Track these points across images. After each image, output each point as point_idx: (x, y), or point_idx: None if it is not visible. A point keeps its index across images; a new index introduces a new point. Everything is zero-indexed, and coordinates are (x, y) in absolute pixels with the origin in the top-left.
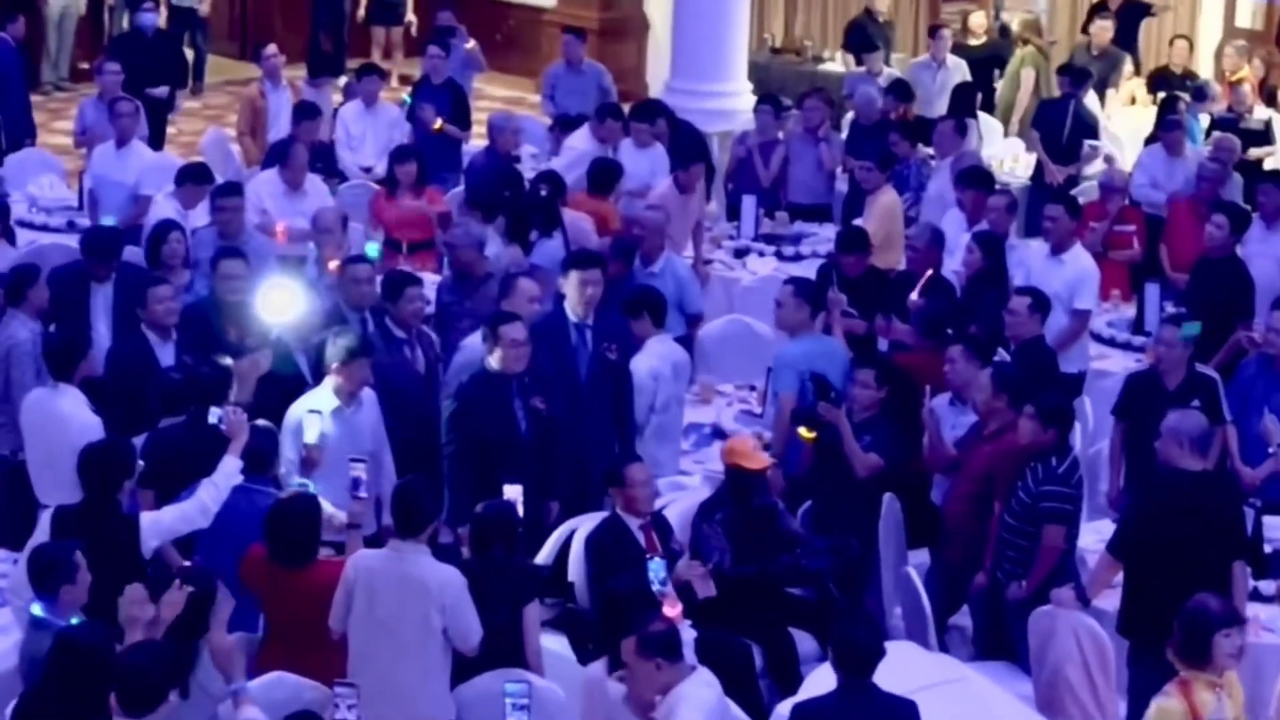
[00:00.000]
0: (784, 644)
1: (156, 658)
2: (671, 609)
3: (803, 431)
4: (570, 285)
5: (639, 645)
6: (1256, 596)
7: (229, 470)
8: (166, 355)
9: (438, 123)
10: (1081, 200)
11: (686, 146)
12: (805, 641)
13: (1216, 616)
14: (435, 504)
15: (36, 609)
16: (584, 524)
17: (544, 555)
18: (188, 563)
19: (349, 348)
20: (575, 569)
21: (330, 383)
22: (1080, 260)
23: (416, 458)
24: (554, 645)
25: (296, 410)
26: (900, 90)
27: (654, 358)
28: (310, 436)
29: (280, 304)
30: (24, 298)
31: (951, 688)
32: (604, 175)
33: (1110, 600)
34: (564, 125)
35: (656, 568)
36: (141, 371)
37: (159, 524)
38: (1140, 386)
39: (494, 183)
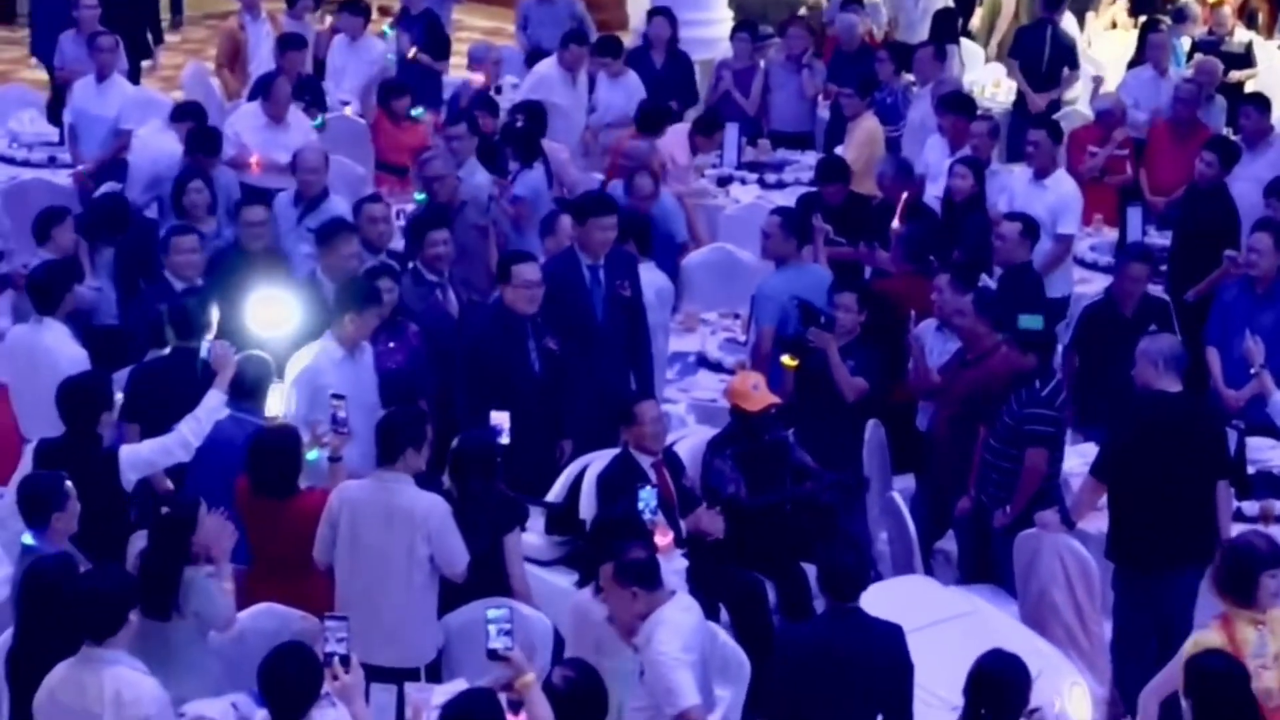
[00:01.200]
0: (796, 578)
1: (110, 581)
2: (662, 538)
3: (785, 360)
4: (586, 231)
5: (616, 572)
6: (1240, 517)
7: (212, 404)
8: None
9: (411, 51)
10: (1065, 126)
11: (682, 78)
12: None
13: (1264, 555)
14: (417, 433)
15: (27, 538)
16: (596, 461)
17: (556, 492)
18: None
19: (365, 295)
20: (587, 506)
21: (335, 332)
22: (1062, 185)
23: (452, 400)
24: (560, 582)
25: (303, 363)
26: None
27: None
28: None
29: (271, 316)
30: (49, 237)
31: (965, 620)
32: (654, 116)
33: (1094, 523)
34: (537, 58)
35: (647, 496)
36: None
37: (138, 457)
38: (1097, 317)
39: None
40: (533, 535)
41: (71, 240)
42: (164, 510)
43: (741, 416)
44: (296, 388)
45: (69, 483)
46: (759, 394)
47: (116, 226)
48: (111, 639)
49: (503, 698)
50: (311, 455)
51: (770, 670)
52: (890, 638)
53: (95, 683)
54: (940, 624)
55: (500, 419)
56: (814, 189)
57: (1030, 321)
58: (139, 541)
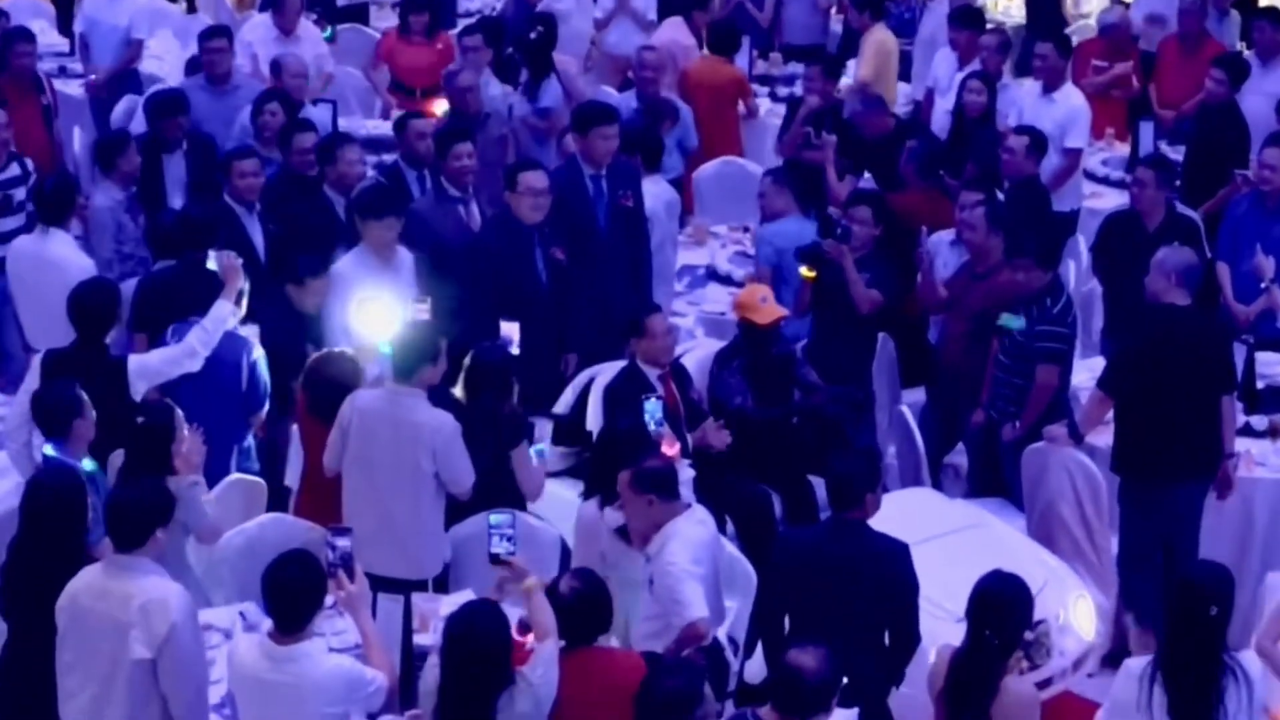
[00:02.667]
0: (803, 491)
1: (141, 493)
2: (669, 449)
3: (803, 271)
4: (589, 141)
5: (633, 479)
6: (1248, 431)
7: (220, 315)
8: (253, 227)
9: None
10: (1076, 40)
11: None
12: (824, 489)
13: None
14: (431, 350)
15: (49, 449)
16: (603, 373)
17: (562, 404)
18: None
19: (371, 205)
20: (594, 418)
21: (363, 245)
22: (1071, 99)
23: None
24: (567, 493)
25: (340, 272)
26: None
27: (647, 198)
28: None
29: (378, 320)
30: (114, 165)
31: (972, 534)
32: (727, 36)
33: (1103, 437)
34: None
35: (653, 408)
36: (231, 242)
37: (147, 367)
38: (1119, 226)
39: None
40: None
41: (137, 165)
42: (140, 420)
43: (749, 329)
44: (335, 297)
45: (81, 391)
46: (767, 306)
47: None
48: (139, 549)
49: (513, 618)
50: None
51: (767, 573)
52: (893, 555)
53: (122, 590)
54: (947, 536)
55: (510, 330)
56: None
57: (1010, 321)
58: (118, 460)
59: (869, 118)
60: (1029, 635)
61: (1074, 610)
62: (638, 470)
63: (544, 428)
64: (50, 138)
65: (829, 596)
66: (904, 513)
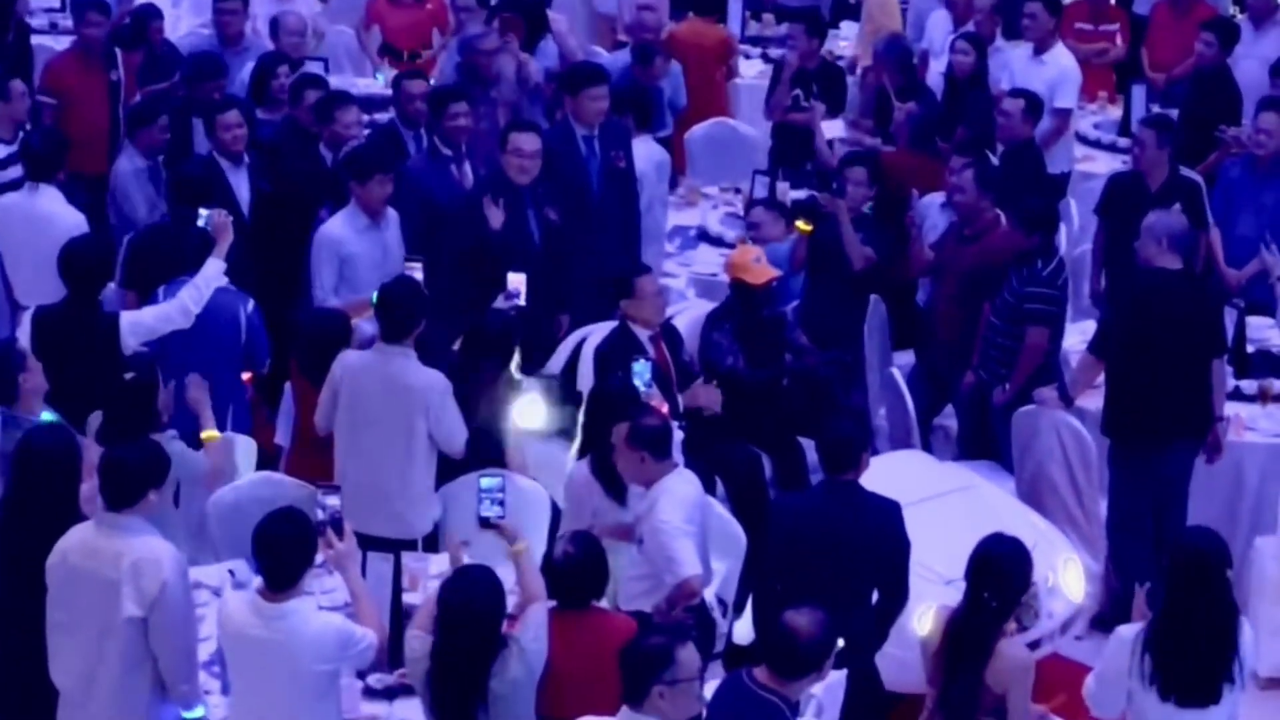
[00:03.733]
0: (792, 452)
1: (137, 453)
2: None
3: (800, 224)
4: (579, 102)
5: (629, 434)
6: (1239, 396)
7: (212, 272)
8: (240, 182)
9: None
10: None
11: None
12: (813, 451)
13: None
14: (420, 306)
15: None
16: (594, 334)
17: (554, 365)
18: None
19: (366, 164)
20: (585, 378)
21: (353, 205)
22: (1061, 59)
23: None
24: (558, 454)
25: (329, 232)
26: None
27: (636, 159)
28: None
29: (533, 415)
30: (138, 135)
31: (961, 496)
32: None
33: (1093, 400)
34: None
35: (641, 369)
36: (218, 199)
37: (140, 323)
38: (1122, 187)
39: None
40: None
41: (162, 139)
42: (128, 376)
43: (741, 290)
44: (322, 258)
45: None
46: (760, 267)
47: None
48: (130, 509)
49: (511, 599)
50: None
51: (765, 540)
52: (886, 513)
53: (112, 549)
54: (937, 499)
55: (516, 281)
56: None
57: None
58: (95, 420)
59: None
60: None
61: (1063, 573)
62: (635, 425)
63: (531, 386)
64: (114, 119)
65: (825, 558)
66: (894, 475)
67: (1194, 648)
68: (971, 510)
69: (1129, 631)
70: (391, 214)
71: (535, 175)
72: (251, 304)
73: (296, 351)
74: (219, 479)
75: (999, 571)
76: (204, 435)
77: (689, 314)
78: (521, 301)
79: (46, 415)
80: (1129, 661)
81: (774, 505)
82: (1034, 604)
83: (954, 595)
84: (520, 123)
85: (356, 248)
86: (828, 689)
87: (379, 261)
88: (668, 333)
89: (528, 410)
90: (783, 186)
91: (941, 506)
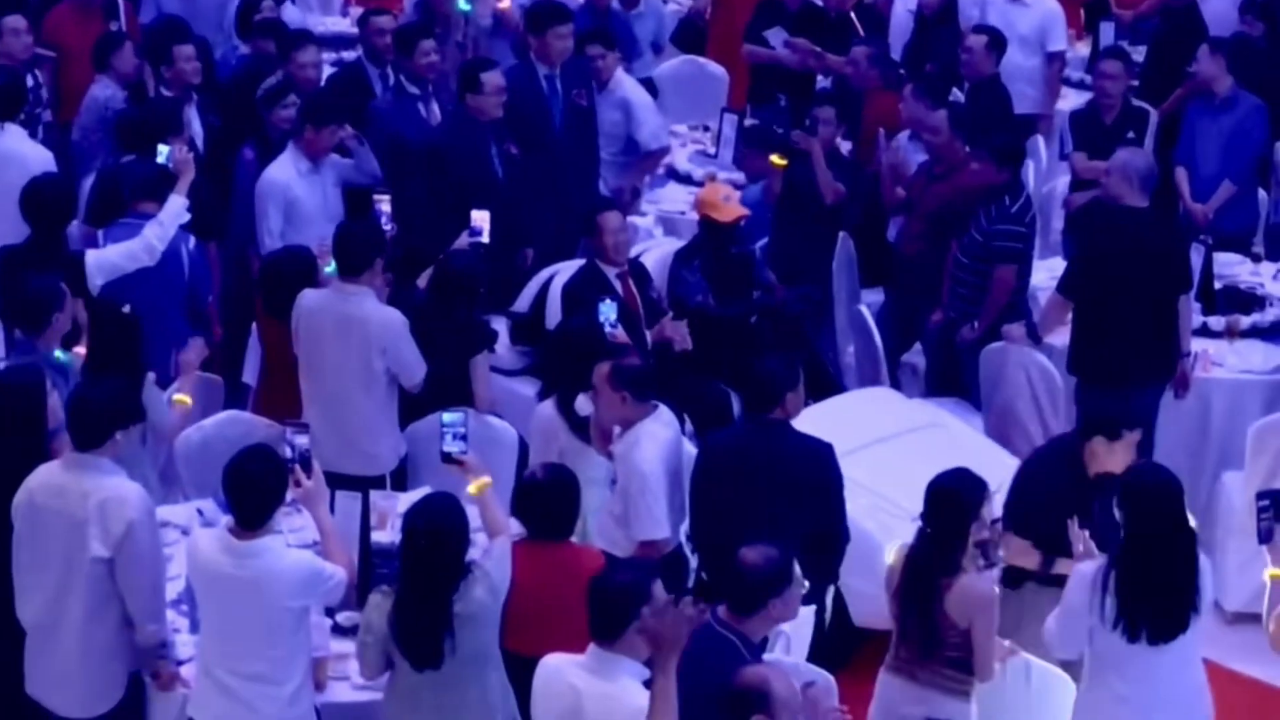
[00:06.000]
0: None
1: (104, 393)
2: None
3: (774, 159)
4: (544, 41)
5: (612, 374)
6: (1206, 332)
7: (175, 209)
8: (191, 117)
9: None
10: None
11: None
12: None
13: None
14: (377, 244)
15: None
16: (562, 272)
17: (522, 303)
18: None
19: (326, 112)
20: (553, 317)
21: (301, 146)
22: (1045, 1)
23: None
24: (526, 391)
25: (274, 177)
26: None
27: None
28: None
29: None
30: (109, 65)
31: (930, 433)
32: None
33: (1060, 336)
34: None
35: (607, 309)
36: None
37: (105, 261)
38: (1079, 122)
39: None
40: (497, 345)
41: (134, 66)
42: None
43: (711, 227)
44: (268, 203)
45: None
46: (729, 205)
47: None
48: (97, 449)
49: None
50: (330, 269)
51: (691, 477)
52: (815, 453)
53: (79, 488)
54: (907, 435)
55: (480, 218)
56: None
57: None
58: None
59: None
60: (986, 534)
61: None
62: (617, 365)
63: (498, 324)
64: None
65: (753, 496)
66: (864, 411)
67: (1159, 582)
68: (942, 447)
69: (1089, 568)
70: (333, 157)
71: (501, 111)
72: (193, 241)
73: (260, 290)
74: (171, 437)
75: (953, 505)
76: (176, 397)
77: (657, 252)
78: (485, 239)
79: (60, 354)
80: (1089, 597)
81: (701, 442)
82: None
83: None
84: (484, 61)
85: (300, 191)
86: (795, 626)
87: (321, 204)
88: (636, 270)
89: None
90: (751, 124)
91: (912, 443)
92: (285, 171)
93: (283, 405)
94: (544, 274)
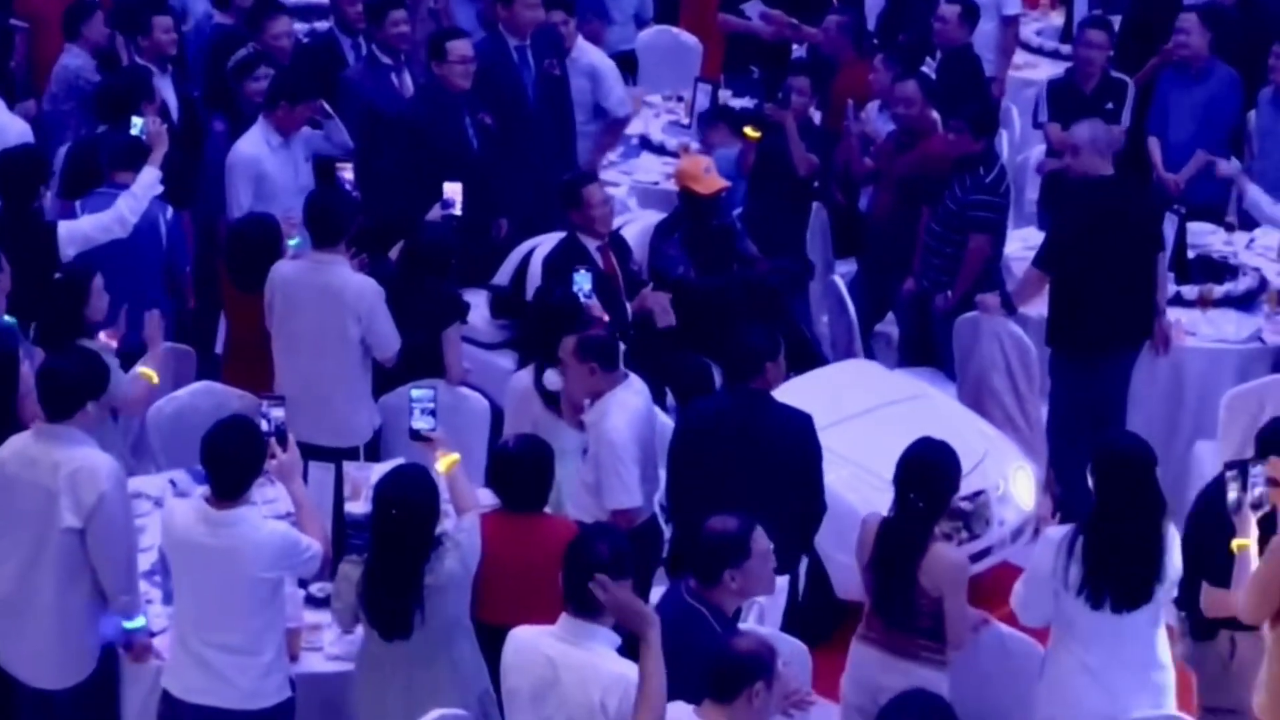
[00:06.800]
0: None
1: (74, 364)
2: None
3: (748, 131)
4: (513, 11)
5: (578, 347)
6: (1179, 301)
7: (148, 181)
8: (165, 88)
9: None
10: None
11: None
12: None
13: None
14: (350, 213)
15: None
16: (543, 244)
17: (502, 276)
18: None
19: (300, 89)
20: (533, 289)
21: (272, 121)
22: None
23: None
24: (504, 363)
25: (243, 151)
26: None
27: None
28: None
29: None
30: (78, 33)
31: (911, 404)
32: None
33: (1035, 307)
34: None
35: (581, 280)
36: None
37: (77, 231)
38: (1059, 94)
39: None
40: (476, 319)
41: (105, 35)
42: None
43: (691, 199)
44: (238, 178)
45: None
46: (710, 177)
47: None
48: (69, 420)
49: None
50: (293, 242)
51: (670, 445)
52: (795, 423)
53: (50, 459)
54: (887, 407)
55: (453, 190)
56: None
57: None
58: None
59: None
60: (968, 505)
61: (1014, 481)
62: (583, 338)
63: (478, 297)
64: None
65: (732, 465)
66: (844, 383)
67: (1128, 550)
68: (922, 419)
69: (1056, 533)
70: (304, 130)
71: (471, 80)
72: (170, 211)
73: (225, 260)
74: (133, 410)
75: (926, 474)
76: (142, 370)
77: (638, 224)
78: (458, 211)
79: (6, 318)
80: (1053, 562)
81: (682, 411)
82: (985, 512)
83: None
84: (451, 30)
85: (270, 166)
86: (769, 596)
87: (292, 178)
88: (616, 243)
89: None
90: (725, 94)
91: (892, 415)
92: (255, 146)
93: (247, 377)
94: (524, 247)
